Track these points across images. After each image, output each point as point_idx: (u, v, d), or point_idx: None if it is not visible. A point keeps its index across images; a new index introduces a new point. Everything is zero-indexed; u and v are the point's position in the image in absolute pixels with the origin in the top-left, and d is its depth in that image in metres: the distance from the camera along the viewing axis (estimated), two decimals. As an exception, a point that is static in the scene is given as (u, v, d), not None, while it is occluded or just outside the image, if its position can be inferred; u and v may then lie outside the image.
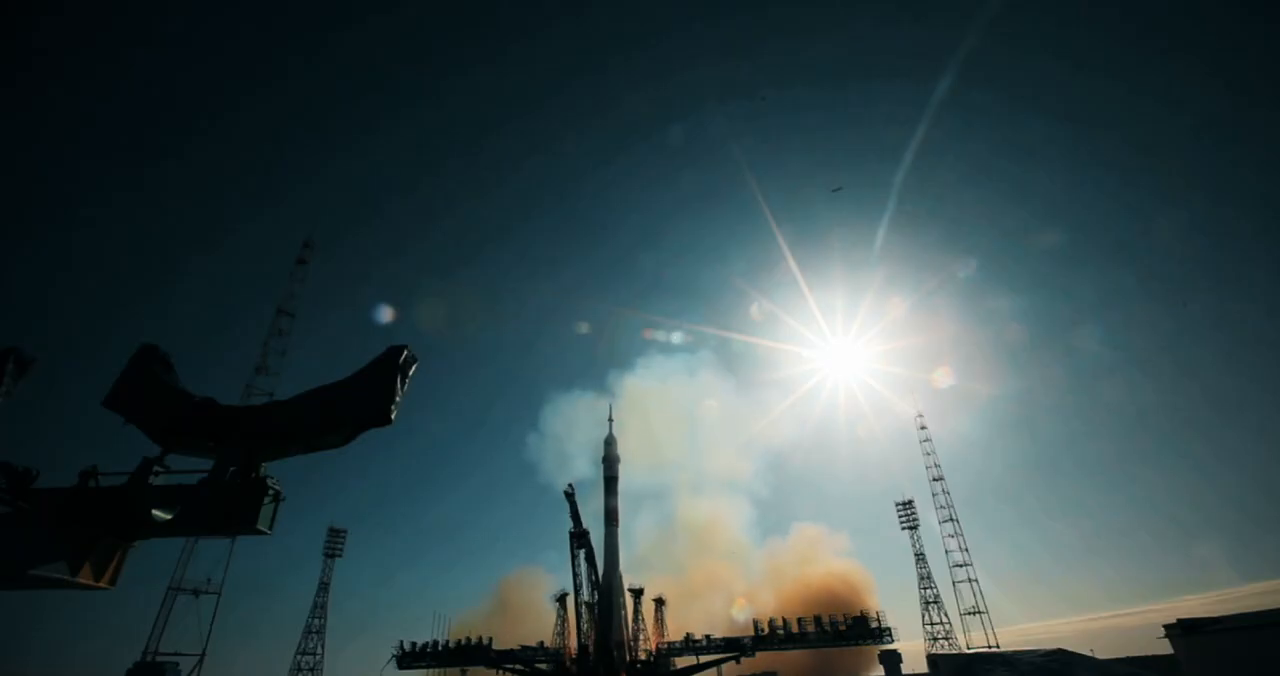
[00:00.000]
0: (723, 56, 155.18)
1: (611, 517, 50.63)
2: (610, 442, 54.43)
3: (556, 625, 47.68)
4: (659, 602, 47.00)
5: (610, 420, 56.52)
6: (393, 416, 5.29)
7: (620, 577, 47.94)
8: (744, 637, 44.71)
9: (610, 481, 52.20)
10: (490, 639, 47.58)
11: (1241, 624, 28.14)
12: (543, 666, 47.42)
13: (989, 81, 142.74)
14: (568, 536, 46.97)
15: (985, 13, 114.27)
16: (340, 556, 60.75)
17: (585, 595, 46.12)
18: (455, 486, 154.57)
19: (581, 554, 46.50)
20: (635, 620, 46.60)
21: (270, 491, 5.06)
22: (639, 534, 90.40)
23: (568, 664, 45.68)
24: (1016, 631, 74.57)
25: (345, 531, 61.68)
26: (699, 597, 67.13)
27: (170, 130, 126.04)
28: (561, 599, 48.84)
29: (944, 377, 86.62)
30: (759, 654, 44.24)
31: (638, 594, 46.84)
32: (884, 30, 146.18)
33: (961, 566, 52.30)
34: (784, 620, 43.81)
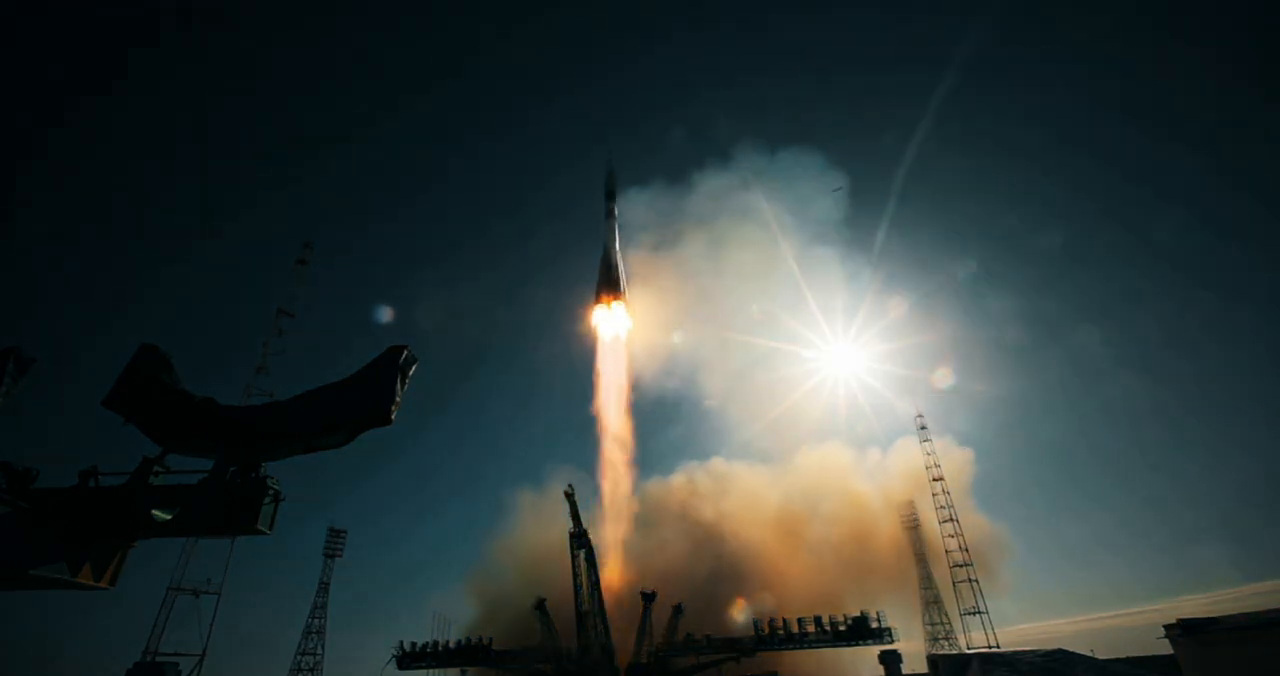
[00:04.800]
0: (722, 53, 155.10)
1: (610, 214, 71.52)
2: (610, 173, 74.49)
3: (541, 633, 46.58)
4: (677, 610, 46.49)
5: (609, 163, 75.53)
6: (393, 416, 5.28)
7: (618, 253, 68.46)
8: (744, 638, 44.67)
9: (609, 195, 72.89)
10: (490, 638, 47.61)
11: (1241, 624, 28.07)
12: (542, 667, 47.27)
13: (991, 81, 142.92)
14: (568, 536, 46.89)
15: (987, 11, 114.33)
16: (340, 556, 60.65)
17: (585, 599, 45.18)
18: (455, 485, 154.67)
19: (582, 554, 46.03)
20: (644, 623, 46.21)
21: (270, 491, 5.05)
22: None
23: (566, 664, 45.43)
24: (1016, 631, 74.27)
25: (345, 532, 61.60)
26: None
27: (170, 129, 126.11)
28: (540, 605, 46.79)
29: (944, 378, 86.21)
30: (759, 655, 44.19)
31: (649, 597, 46.49)
32: (885, 29, 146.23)
33: (961, 566, 52.22)
34: (784, 620, 43.87)
